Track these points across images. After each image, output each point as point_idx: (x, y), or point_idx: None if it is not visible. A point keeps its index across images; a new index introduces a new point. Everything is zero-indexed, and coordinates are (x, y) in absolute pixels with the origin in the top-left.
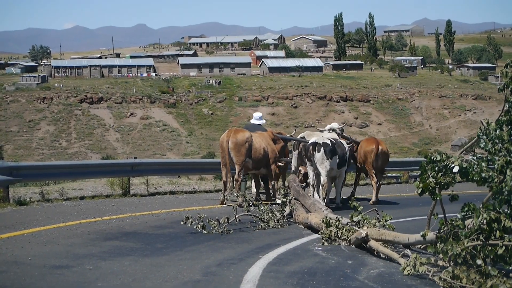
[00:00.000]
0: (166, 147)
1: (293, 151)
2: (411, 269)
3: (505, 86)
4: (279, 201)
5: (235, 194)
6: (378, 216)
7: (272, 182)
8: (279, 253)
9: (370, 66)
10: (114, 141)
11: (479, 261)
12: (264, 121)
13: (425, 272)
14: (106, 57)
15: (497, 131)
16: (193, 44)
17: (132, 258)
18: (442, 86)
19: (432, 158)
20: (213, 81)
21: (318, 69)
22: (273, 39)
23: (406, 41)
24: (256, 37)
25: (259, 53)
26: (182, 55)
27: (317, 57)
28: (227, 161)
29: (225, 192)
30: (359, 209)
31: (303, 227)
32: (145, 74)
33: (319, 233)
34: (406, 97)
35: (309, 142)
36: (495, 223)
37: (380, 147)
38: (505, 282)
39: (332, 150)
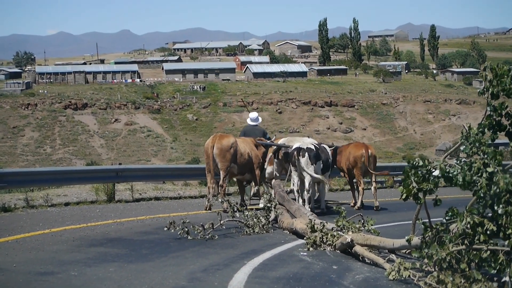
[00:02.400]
0: (150, 153)
1: (275, 158)
2: (395, 274)
3: (485, 89)
4: (261, 205)
5: (219, 200)
6: (362, 221)
7: (256, 187)
8: (265, 258)
9: (354, 71)
10: (98, 147)
11: (463, 266)
12: (260, 120)
13: (409, 276)
14: (90, 63)
15: (478, 135)
16: (178, 49)
17: (117, 264)
18: (427, 91)
19: (414, 163)
20: (198, 87)
21: (303, 74)
22: (258, 45)
23: (390, 46)
24: (241, 43)
25: (243, 58)
26: (166, 61)
27: (301, 63)
28: (211, 167)
29: (210, 197)
30: (343, 214)
31: (288, 232)
32: (129, 80)
33: (304, 238)
34: (391, 102)
35: (293, 148)
36: (479, 227)
37: (369, 151)
38: (490, 286)
39: (316, 155)
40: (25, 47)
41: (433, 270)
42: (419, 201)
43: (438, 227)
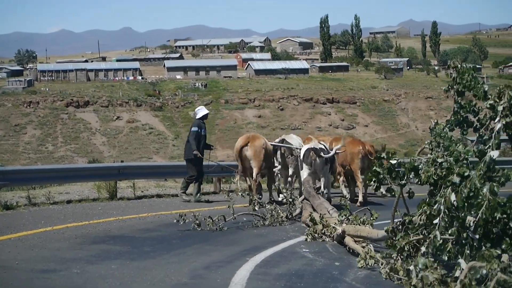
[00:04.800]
0: (152, 150)
1: (289, 156)
2: (363, 263)
3: (449, 87)
4: (280, 199)
5: (240, 194)
6: (366, 214)
7: (277, 183)
8: (267, 255)
9: (356, 68)
10: (100, 145)
11: (419, 254)
12: (199, 114)
13: (373, 265)
14: (92, 61)
15: (444, 130)
16: (179, 47)
17: (119, 262)
18: (428, 88)
19: (380, 156)
20: (199, 84)
21: (304, 71)
22: (259, 42)
23: (392, 42)
24: (242, 40)
25: (245, 55)
26: (168, 58)
27: (303, 59)
28: (246, 165)
29: (253, 194)
30: (347, 208)
31: (305, 226)
32: (131, 78)
33: (306, 230)
34: (392, 99)
35: (307, 148)
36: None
37: (367, 147)
38: (438, 273)
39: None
40: (27, 45)
41: (398, 258)
42: (393, 194)
43: (404, 218)
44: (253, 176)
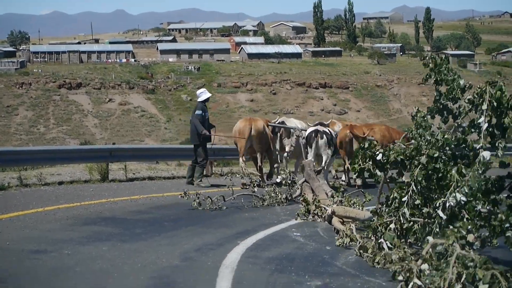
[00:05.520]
0: (144, 133)
1: (285, 138)
2: (341, 241)
3: (427, 76)
4: (278, 180)
5: (240, 176)
6: (359, 196)
7: (276, 165)
8: (258, 238)
9: (349, 53)
10: (92, 127)
11: (391, 233)
12: (202, 97)
13: (349, 243)
14: (85, 43)
15: (424, 117)
16: (172, 30)
17: (111, 243)
18: (421, 73)
19: (362, 145)
20: (192, 67)
21: (297, 55)
22: (252, 26)
23: (385, 28)
24: (235, 24)
25: (238, 39)
26: (161, 41)
27: (296, 44)
28: (244, 147)
29: (255, 174)
30: (340, 189)
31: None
32: (124, 60)
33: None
34: (385, 84)
35: (311, 130)
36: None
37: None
38: (396, 252)
39: (331, 138)
40: (20, 26)
41: (373, 238)
42: (376, 178)
43: (383, 201)
44: (258, 158)
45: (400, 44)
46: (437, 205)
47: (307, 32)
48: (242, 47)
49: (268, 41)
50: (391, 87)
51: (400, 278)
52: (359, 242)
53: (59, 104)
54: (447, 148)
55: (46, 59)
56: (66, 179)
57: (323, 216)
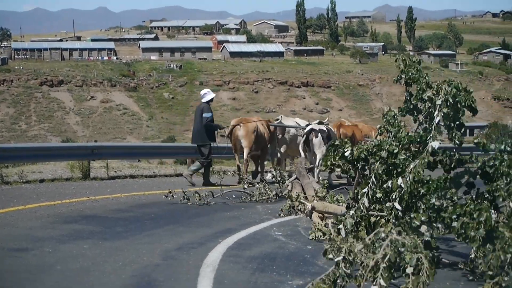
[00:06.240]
0: (126, 131)
1: (280, 136)
2: (314, 235)
3: (399, 77)
4: (268, 178)
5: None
6: (343, 193)
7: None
8: (239, 237)
9: (331, 52)
10: (74, 124)
11: (361, 228)
12: (207, 97)
13: (321, 237)
14: (67, 40)
15: (394, 116)
16: (155, 28)
17: (92, 242)
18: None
19: (334, 143)
20: (174, 65)
21: (280, 54)
22: (235, 24)
23: (367, 27)
24: (218, 22)
25: (220, 37)
26: (143, 39)
27: (278, 42)
28: (237, 146)
29: (240, 172)
30: (325, 186)
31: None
32: (106, 58)
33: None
34: (367, 83)
35: (307, 129)
36: (373, 197)
37: (341, 130)
38: (360, 242)
39: (328, 136)
40: (1, 22)
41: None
42: (350, 174)
43: (355, 196)
44: (244, 156)
45: (382, 44)
46: (394, 197)
47: (290, 31)
48: (224, 46)
49: (251, 39)
50: (373, 86)
51: (330, 256)
52: (327, 236)
53: (40, 102)
54: (411, 145)
55: (27, 56)
56: (48, 176)
57: (306, 212)
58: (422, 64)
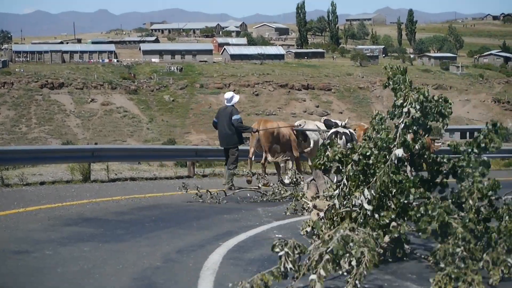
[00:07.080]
0: (126, 134)
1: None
2: (304, 231)
3: (386, 85)
4: (286, 181)
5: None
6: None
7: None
8: (240, 240)
9: (332, 54)
10: (74, 127)
11: (346, 220)
12: (234, 100)
13: (312, 231)
14: (67, 42)
15: (381, 120)
16: (155, 30)
17: (92, 244)
18: None
19: (325, 143)
20: (175, 68)
21: (280, 57)
22: (235, 26)
23: (368, 30)
24: (218, 24)
25: (221, 40)
26: (144, 42)
27: (279, 45)
28: (254, 146)
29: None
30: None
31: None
32: (106, 60)
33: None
34: (368, 86)
35: (331, 132)
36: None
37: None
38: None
39: (350, 139)
40: (2, 25)
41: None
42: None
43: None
44: (263, 157)
45: (382, 46)
46: (364, 197)
47: (290, 34)
48: (225, 48)
49: (251, 42)
50: (373, 89)
51: (277, 250)
52: (315, 232)
53: (41, 104)
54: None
55: (28, 59)
56: (48, 179)
57: (309, 210)
58: (423, 66)
